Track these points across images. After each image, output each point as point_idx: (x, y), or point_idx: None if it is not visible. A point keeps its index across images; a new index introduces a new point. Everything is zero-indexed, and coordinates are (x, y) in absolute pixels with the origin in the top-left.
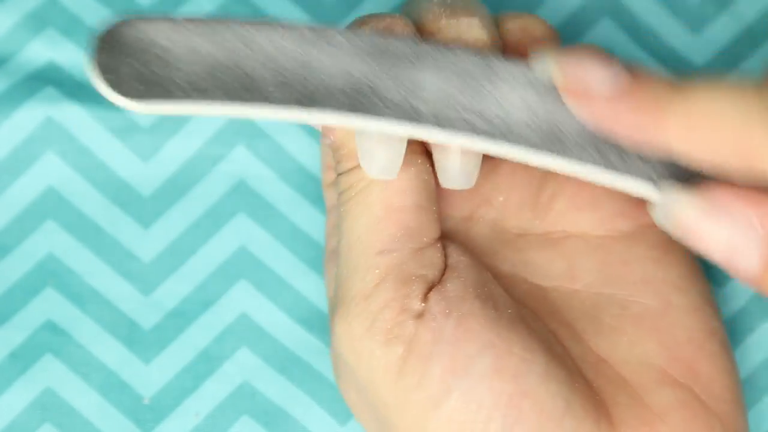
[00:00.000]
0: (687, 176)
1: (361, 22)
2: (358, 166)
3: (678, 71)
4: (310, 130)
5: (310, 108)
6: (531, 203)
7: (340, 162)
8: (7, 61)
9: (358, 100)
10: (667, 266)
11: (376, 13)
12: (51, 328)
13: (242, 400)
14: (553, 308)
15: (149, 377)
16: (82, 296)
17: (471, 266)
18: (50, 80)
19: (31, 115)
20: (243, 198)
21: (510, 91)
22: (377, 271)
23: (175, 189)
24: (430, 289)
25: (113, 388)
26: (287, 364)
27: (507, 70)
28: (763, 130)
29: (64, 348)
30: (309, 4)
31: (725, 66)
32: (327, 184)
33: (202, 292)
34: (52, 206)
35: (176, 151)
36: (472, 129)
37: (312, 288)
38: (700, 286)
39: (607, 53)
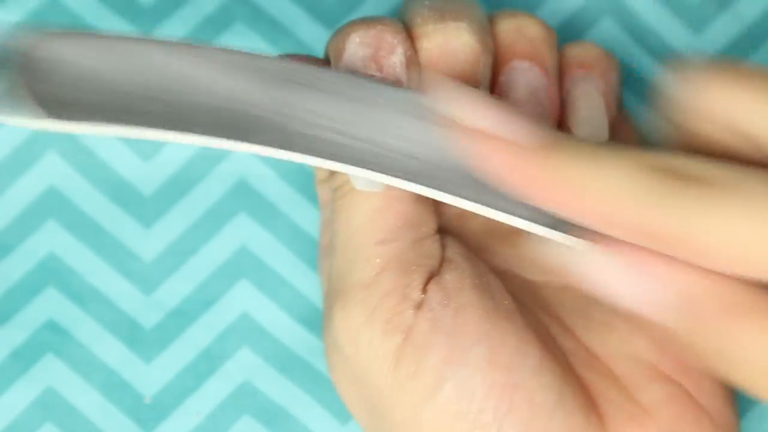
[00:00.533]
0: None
1: (350, 29)
2: None
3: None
4: None
5: (183, 131)
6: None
7: None
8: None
9: (233, 123)
10: None
11: (368, 17)
12: (52, 327)
13: (243, 399)
14: (545, 303)
15: (150, 376)
16: (83, 295)
17: (468, 258)
18: None
19: None
20: (244, 197)
21: (395, 120)
22: (378, 260)
23: (176, 188)
24: (429, 279)
25: (114, 388)
26: (288, 363)
27: (393, 96)
28: (632, 212)
29: (65, 347)
30: (310, 3)
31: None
32: (320, 180)
33: (203, 291)
34: (53, 205)
35: (177, 151)
36: (348, 156)
37: (313, 287)
38: None
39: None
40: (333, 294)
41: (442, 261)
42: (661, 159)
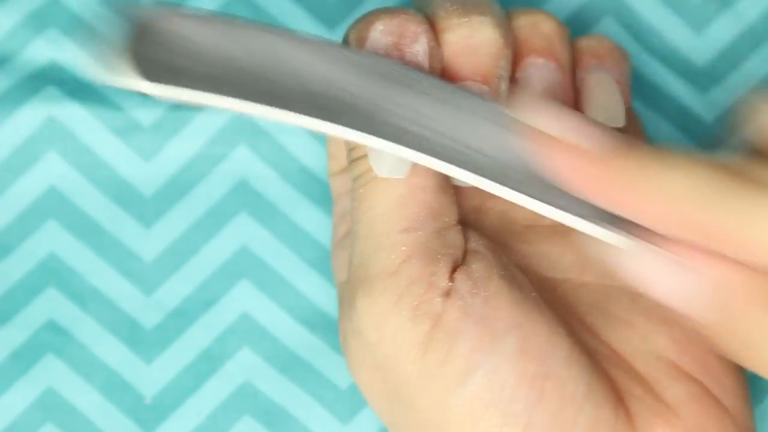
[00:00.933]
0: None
1: (374, 17)
2: None
3: (680, 70)
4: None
5: (326, 119)
6: None
7: (357, 146)
8: (8, 61)
9: (365, 117)
10: None
11: (390, 7)
12: (52, 327)
13: (244, 399)
14: (564, 301)
15: (151, 377)
16: (83, 296)
17: (491, 249)
18: (52, 80)
19: (32, 115)
20: (244, 198)
21: (486, 128)
22: (403, 248)
23: (176, 188)
24: (455, 268)
25: (115, 388)
26: (289, 363)
27: (480, 106)
28: (703, 214)
29: (66, 348)
30: (311, 3)
31: (727, 65)
32: (333, 173)
33: (203, 291)
34: (53, 206)
35: (178, 151)
36: (462, 160)
37: (314, 288)
38: None
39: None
40: (355, 282)
41: (466, 251)
42: (723, 161)
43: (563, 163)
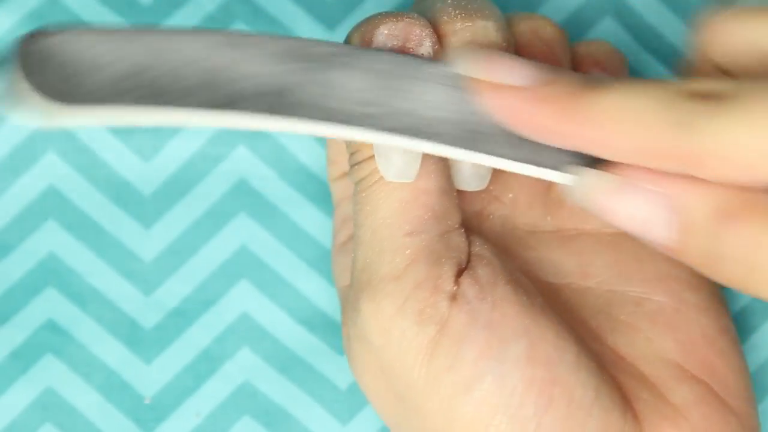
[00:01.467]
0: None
1: (378, 21)
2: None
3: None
4: None
5: (225, 111)
6: (541, 201)
7: (359, 151)
8: None
9: (271, 103)
10: (679, 264)
11: (394, 11)
12: (52, 327)
13: (243, 400)
14: (567, 306)
15: (150, 377)
16: (82, 296)
17: (495, 254)
18: None
19: None
20: (244, 198)
21: (428, 91)
22: (407, 252)
23: (176, 188)
24: (459, 272)
25: (114, 388)
26: (288, 364)
27: (426, 69)
28: (671, 137)
29: (65, 348)
30: (310, 3)
31: None
32: (334, 178)
33: (202, 291)
34: (52, 205)
35: (177, 151)
36: (387, 127)
37: (313, 288)
38: (711, 285)
39: (518, 57)
40: (359, 286)
41: (470, 255)
42: (684, 84)
43: (497, 103)
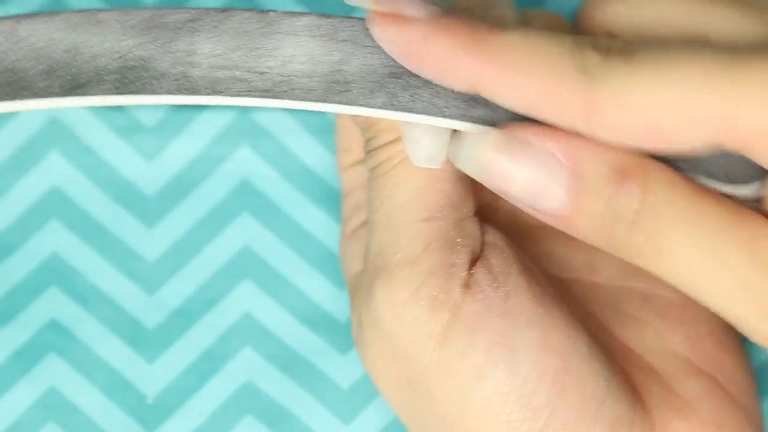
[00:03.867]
0: (490, 118)
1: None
2: (396, 140)
3: None
4: (314, 130)
5: (75, 95)
6: None
7: (376, 137)
8: None
9: (129, 79)
10: None
11: None
12: (55, 327)
13: (246, 399)
14: (576, 300)
15: (153, 376)
16: (85, 295)
17: (508, 243)
18: None
19: (34, 115)
20: (247, 197)
21: (289, 45)
22: (423, 237)
23: (178, 188)
24: (474, 260)
25: (117, 388)
26: (291, 363)
27: (287, 23)
28: (573, 82)
29: (68, 347)
30: (312, 4)
31: None
32: (346, 166)
33: (205, 291)
34: (55, 205)
35: (180, 151)
36: (248, 88)
37: (316, 287)
38: None
39: None
40: (373, 271)
41: (484, 244)
42: (588, 37)
43: (392, 34)
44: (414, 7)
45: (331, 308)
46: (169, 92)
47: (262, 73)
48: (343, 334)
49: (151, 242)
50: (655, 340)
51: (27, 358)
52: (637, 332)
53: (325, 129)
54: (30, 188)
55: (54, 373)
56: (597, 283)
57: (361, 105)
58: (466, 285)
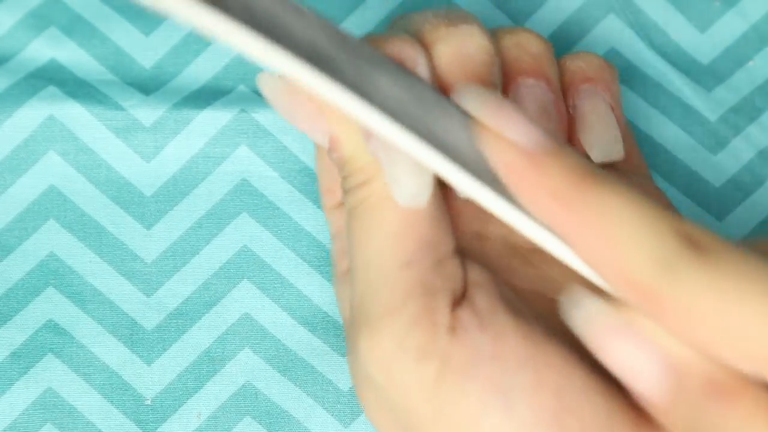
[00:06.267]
0: None
1: (368, 41)
2: (368, 180)
3: (684, 69)
4: None
5: (275, 43)
6: None
7: (350, 176)
8: (8, 60)
9: (318, 64)
10: None
11: (377, 35)
12: (52, 328)
13: (245, 401)
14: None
15: (151, 378)
16: (83, 296)
17: (492, 281)
18: (52, 79)
19: (32, 114)
20: (246, 198)
21: (450, 120)
22: (401, 285)
23: (177, 189)
24: (456, 302)
25: (115, 389)
26: (290, 365)
27: (445, 100)
28: (649, 272)
29: (66, 348)
30: (312, 2)
31: (731, 64)
32: (329, 208)
33: (204, 292)
34: (53, 206)
35: (178, 151)
36: (424, 138)
37: (315, 288)
38: None
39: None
40: (357, 323)
41: (466, 283)
42: (680, 222)
43: (497, 154)
44: (514, 129)
45: (330, 309)
46: (355, 93)
47: (430, 132)
48: (342, 336)
49: (150, 243)
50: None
51: (24, 359)
52: None
53: None
54: (28, 188)
55: (51, 374)
56: None
57: (500, 196)
58: (452, 329)
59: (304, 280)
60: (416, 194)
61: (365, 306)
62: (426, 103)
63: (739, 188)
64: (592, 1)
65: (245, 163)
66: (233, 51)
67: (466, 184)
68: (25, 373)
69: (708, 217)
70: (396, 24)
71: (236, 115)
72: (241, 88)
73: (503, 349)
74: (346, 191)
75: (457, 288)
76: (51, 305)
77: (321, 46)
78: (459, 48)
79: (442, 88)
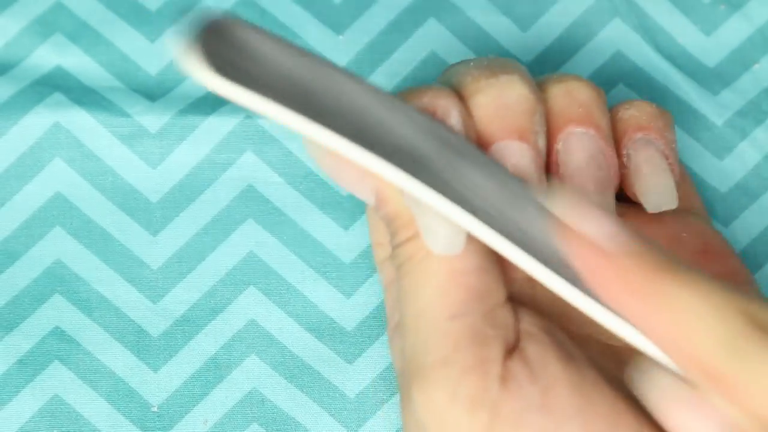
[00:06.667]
0: None
1: (404, 96)
2: (415, 236)
3: (690, 72)
4: None
5: (373, 152)
6: None
7: (396, 234)
8: (14, 67)
9: (417, 169)
10: None
11: (415, 87)
12: (59, 335)
13: (251, 407)
14: (617, 362)
15: (157, 385)
16: (89, 303)
17: (545, 329)
18: (58, 86)
19: (38, 121)
20: (251, 204)
21: (530, 210)
22: (452, 335)
23: (183, 195)
24: (508, 351)
25: (121, 396)
26: (296, 371)
27: (527, 190)
28: (729, 357)
29: (72, 355)
30: (317, 7)
31: (737, 67)
32: (381, 260)
33: (210, 299)
34: (59, 212)
35: (184, 157)
36: (512, 238)
37: (321, 295)
38: None
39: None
40: (410, 375)
41: (519, 332)
42: (747, 304)
43: (576, 253)
44: (595, 227)
45: (337, 316)
46: (452, 200)
47: (520, 229)
48: (349, 343)
49: (156, 249)
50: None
51: (31, 366)
52: None
53: None
54: (34, 195)
55: (58, 381)
56: None
57: (584, 293)
58: (503, 380)
59: (310, 286)
60: (450, 242)
61: (417, 357)
62: (511, 193)
63: (746, 193)
64: (598, 4)
65: (251, 169)
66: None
67: (545, 277)
68: (32, 380)
69: (714, 224)
70: (440, 78)
71: (241, 121)
72: None
73: (553, 401)
74: (394, 247)
75: (510, 336)
76: (57, 312)
77: (414, 142)
78: (497, 99)
79: (481, 140)
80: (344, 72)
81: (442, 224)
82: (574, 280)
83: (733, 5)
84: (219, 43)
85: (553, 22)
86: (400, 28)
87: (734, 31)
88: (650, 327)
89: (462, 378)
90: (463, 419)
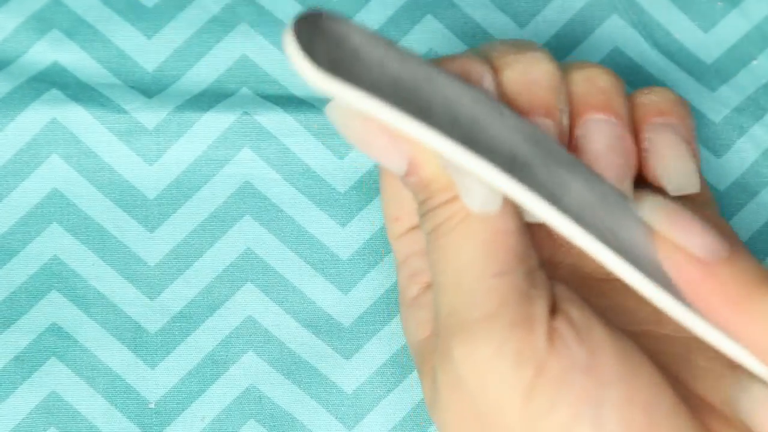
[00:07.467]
0: None
1: (437, 63)
2: (453, 198)
3: (688, 68)
4: (316, 132)
5: (476, 153)
6: None
7: (432, 196)
8: (11, 63)
9: (514, 170)
10: None
11: (452, 54)
12: (56, 331)
13: (248, 404)
14: (647, 353)
15: (155, 381)
16: (87, 299)
17: (581, 297)
18: (55, 82)
19: (35, 118)
20: (249, 200)
21: (628, 220)
22: (497, 292)
23: (180, 192)
24: (551, 311)
25: (118, 393)
26: (294, 368)
27: (625, 201)
28: None
29: (69, 352)
30: (315, 4)
31: (735, 64)
32: (397, 235)
33: (208, 295)
34: (56, 209)
35: (181, 154)
36: (607, 242)
37: (319, 291)
38: None
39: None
40: (449, 332)
41: (556, 296)
42: None
43: (673, 265)
44: (690, 238)
45: (334, 312)
46: (547, 200)
47: (617, 236)
48: (346, 339)
49: (153, 246)
50: (729, 391)
51: (28, 362)
52: (711, 384)
53: (327, 131)
54: (31, 192)
55: (55, 377)
56: (665, 335)
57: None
58: (550, 339)
59: (307, 282)
60: (488, 199)
61: (459, 314)
62: (609, 203)
63: (744, 190)
64: (596, 1)
65: (248, 165)
66: (235, 54)
67: (639, 284)
68: (29, 377)
69: None
70: (464, 54)
71: (239, 118)
72: (244, 90)
73: (598, 363)
74: (427, 212)
75: (550, 297)
76: (54, 309)
77: (518, 148)
78: (525, 73)
79: None
80: (445, 72)
81: (478, 182)
82: (668, 287)
83: (730, 2)
84: (320, 40)
85: (551, 19)
86: (398, 24)
87: (732, 28)
88: (744, 334)
89: (509, 332)
90: (507, 374)
